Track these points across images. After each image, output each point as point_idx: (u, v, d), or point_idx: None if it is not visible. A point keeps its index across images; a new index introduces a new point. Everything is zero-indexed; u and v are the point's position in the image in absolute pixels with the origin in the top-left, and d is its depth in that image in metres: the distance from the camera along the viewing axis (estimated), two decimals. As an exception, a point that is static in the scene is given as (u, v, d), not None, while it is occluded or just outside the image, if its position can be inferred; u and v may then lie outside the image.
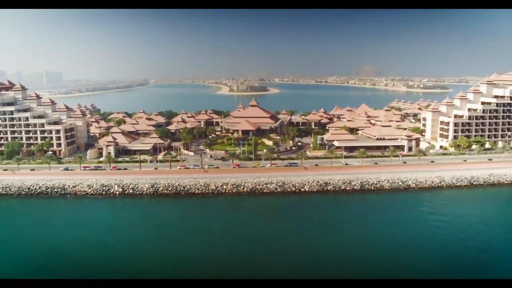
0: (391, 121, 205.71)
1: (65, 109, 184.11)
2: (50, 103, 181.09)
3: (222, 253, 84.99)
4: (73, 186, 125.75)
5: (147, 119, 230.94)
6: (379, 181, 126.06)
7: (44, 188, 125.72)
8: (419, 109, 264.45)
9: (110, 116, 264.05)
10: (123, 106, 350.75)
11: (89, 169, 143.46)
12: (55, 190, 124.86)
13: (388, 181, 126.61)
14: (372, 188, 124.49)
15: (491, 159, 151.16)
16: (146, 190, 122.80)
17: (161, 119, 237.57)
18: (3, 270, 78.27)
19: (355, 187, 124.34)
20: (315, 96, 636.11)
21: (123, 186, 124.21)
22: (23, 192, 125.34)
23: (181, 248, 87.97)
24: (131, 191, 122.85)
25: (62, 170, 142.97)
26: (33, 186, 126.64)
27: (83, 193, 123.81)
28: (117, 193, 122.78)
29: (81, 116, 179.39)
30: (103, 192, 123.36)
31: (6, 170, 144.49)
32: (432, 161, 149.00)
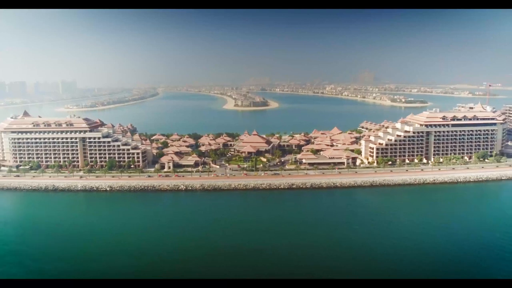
0: (344, 144, 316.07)
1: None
2: (130, 135, 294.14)
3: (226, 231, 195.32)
4: (158, 186, 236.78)
5: (183, 141, 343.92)
6: (321, 183, 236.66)
7: (143, 187, 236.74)
8: (376, 130, 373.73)
9: (153, 137, 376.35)
10: (148, 124, 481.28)
11: (162, 176, 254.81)
12: (149, 187, 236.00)
13: (326, 182, 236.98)
14: (317, 187, 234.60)
15: (392, 170, 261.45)
16: (198, 187, 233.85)
17: (191, 140, 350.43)
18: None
19: (307, 186, 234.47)
20: (310, 113, 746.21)
21: (186, 185, 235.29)
22: (132, 189, 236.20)
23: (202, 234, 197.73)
24: (190, 188, 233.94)
25: (146, 177, 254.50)
26: (137, 186, 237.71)
27: (164, 190, 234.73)
28: (183, 189, 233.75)
29: (150, 143, 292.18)
30: (175, 189, 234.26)
31: (114, 176, 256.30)
32: (356, 172, 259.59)
